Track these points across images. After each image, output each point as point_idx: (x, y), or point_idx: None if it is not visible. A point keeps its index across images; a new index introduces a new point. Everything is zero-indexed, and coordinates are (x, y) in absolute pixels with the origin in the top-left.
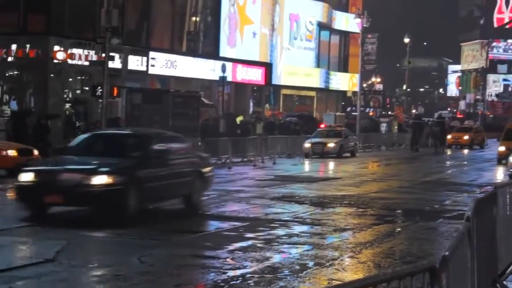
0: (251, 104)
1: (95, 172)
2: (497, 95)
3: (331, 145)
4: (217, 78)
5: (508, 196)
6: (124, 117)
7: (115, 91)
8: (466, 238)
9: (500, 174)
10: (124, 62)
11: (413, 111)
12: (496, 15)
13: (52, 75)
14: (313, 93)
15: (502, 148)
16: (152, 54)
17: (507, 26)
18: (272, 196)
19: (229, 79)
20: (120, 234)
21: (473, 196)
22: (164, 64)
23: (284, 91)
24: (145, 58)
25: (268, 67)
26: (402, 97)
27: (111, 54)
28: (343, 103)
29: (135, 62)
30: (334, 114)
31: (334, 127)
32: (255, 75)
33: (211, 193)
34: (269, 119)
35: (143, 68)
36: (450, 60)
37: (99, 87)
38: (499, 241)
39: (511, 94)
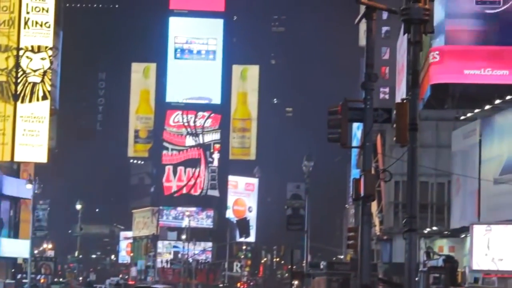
0: None
1: None
2: (168, 262)
3: None
4: None
5: None
6: None
7: None
8: None
9: None
10: None
11: (80, 278)
12: (165, 183)
13: None
14: None
15: None
16: None
17: (175, 195)
18: None
19: None
20: None
21: None
22: None
23: None
24: None
25: None
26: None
27: None
28: (13, 270)
29: None
30: (3, 281)
31: None
32: None
33: None
34: None
35: None
36: (122, 227)
37: None
38: None
39: (180, 261)
